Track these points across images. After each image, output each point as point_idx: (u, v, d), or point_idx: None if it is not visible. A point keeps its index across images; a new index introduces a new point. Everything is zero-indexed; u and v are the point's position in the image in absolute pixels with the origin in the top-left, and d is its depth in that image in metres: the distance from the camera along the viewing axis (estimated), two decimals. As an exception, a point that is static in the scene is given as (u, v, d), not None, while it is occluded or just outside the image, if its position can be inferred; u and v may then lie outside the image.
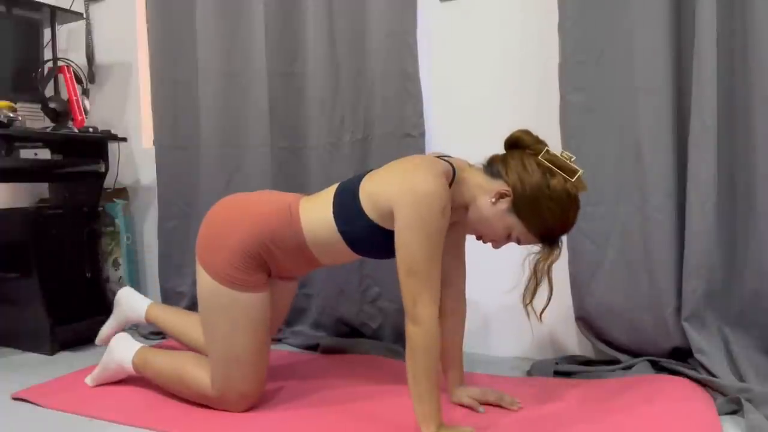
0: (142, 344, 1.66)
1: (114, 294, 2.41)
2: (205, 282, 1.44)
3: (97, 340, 1.93)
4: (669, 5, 1.59)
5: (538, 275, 1.30)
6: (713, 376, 1.51)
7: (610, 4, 1.65)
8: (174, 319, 1.80)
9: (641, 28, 1.62)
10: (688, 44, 1.58)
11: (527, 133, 1.34)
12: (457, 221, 1.40)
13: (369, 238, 1.37)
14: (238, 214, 1.46)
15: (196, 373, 1.50)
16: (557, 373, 1.71)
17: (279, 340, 2.07)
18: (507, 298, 1.88)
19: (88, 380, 1.69)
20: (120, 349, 1.65)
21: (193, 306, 2.28)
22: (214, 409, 1.48)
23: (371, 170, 1.43)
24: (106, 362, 1.67)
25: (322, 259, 1.47)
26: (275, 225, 1.42)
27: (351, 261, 1.51)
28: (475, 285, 1.88)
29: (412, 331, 1.24)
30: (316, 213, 1.41)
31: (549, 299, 1.31)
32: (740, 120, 1.57)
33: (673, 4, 1.60)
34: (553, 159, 1.28)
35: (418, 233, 1.23)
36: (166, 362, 1.57)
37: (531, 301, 1.30)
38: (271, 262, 1.45)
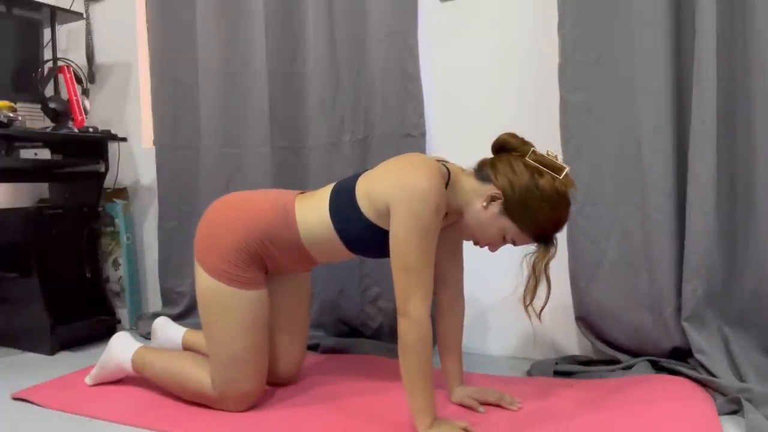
0: (141, 344, 1.66)
1: (114, 294, 2.44)
2: (203, 280, 1.45)
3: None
4: (669, 6, 1.59)
5: (537, 275, 1.30)
6: (713, 376, 1.51)
7: (610, 4, 1.65)
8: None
9: (641, 28, 1.62)
10: (688, 44, 1.58)
11: (513, 135, 1.35)
12: (455, 221, 1.40)
13: (365, 236, 1.38)
14: (235, 211, 1.47)
15: (196, 373, 1.50)
16: (557, 373, 1.71)
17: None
18: (506, 298, 1.89)
19: (87, 379, 1.70)
20: (119, 348, 1.65)
21: (192, 306, 2.28)
22: (214, 409, 1.48)
23: (367, 170, 1.44)
24: (105, 361, 1.67)
25: (318, 257, 1.48)
26: (270, 222, 1.43)
27: (347, 259, 1.52)
28: (474, 285, 1.88)
29: (403, 326, 1.25)
30: (312, 211, 1.43)
31: (547, 298, 1.32)
32: (740, 120, 1.57)
33: (673, 5, 1.60)
34: (539, 159, 1.30)
35: (411, 230, 1.25)
36: (165, 362, 1.57)
37: (531, 302, 1.31)
38: (267, 259, 1.47)
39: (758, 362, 1.54)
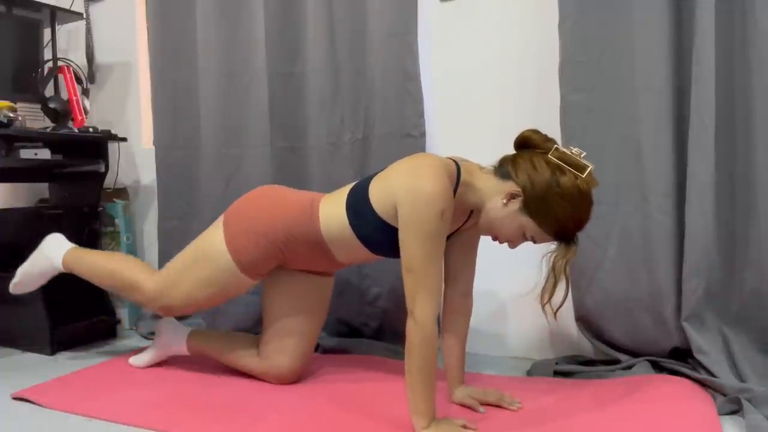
0: (74, 245, 1.78)
1: (114, 294, 2.43)
2: (215, 238, 1.57)
3: (131, 359, 1.86)
4: (669, 5, 1.59)
5: (557, 273, 1.29)
6: (713, 376, 1.51)
7: (610, 4, 1.65)
8: (215, 339, 1.79)
9: (641, 28, 1.62)
10: (688, 44, 1.58)
11: (536, 132, 1.35)
12: (476, 222, 1.41)
13: (378, 233, 1.40)
14: (271, 200, 1.57)
15: (132, 273, 1.67)
16: (557, 373, 1.72)
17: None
18: (507, 298, 1.89)
19: (12, 287, 1.81)
20: (52, 245, 1.75)
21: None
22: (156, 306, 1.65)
23: (383, 169, 1.46)
24: (36, 258, 1.76)
25: (339, 256, 1.52)
26: (296, 218, 1.50)
27: (368, 260, 1.55)
28: (474, 285, 1.88)
29: (410, 327, 1.27)
30: (332, 208, 1.48)
31: (565, 297, 1.31)
32: (740, 119, 1.57)
33: (673, 5, 1.60)
34: (562, 156, 1.29)
35: (415, 233, 1.26)
36: (102, 260, 1.71)
37: (549, 300, 1.30)
38: (288, 252, 1.53)
39: (758, 362, 1.54)
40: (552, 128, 1.69)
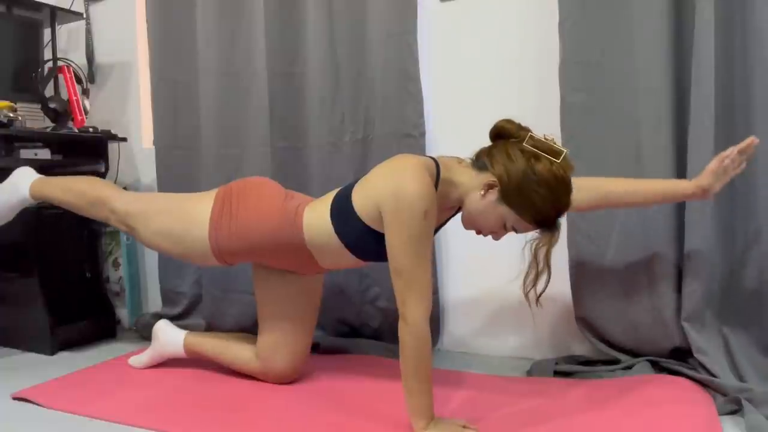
0: (41, 176, 1.79)
1: (114, 294, 2.44)
2: (203, 209, 1.54)
3: (131, 360, 1.87)
4: (669, 5, 1.59)
5: (539, 261, 1.29)
6: (713, 376, 1.51)
7: (610, 4, 1.65)
8: (212, 341, 1.78)
9: (641, 28, 1.62)
10: (688, 44, 1.58)
11: (509, 121, 1.35)
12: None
13: (362, 239, 1.40)
14: (263, 196, 1.54)
15: (99, 189, 1.69)
16: (557, 373, 1.71)
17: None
18: (506, 298, 1.89)
19: None
20: (19, 175, 1.78)
21: (192, 306, 2.28)
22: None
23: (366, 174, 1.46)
24: (2, 187, 1.78)
25: (322, 261, 1.51)
26: (280, 223, 1.48)
27: (354, 265, 1.54)
28: (474, 285, 1.88)
29: (401, 329, 1.27)
30: (316, 215, 1.46)
31: (547, 284, 1.31)
32: (739, 120, 1.57)
33: (673, 4, 1.60)
34: (536, 144, 1.29)
35: (400, 236, 1.27)
36: (69, 181, 1.76)
37: (533, 288, 1.30)
38: (270, 254, 1.52)
39: (758, 362, 1.54)
40: (552, 128, 1.69)
